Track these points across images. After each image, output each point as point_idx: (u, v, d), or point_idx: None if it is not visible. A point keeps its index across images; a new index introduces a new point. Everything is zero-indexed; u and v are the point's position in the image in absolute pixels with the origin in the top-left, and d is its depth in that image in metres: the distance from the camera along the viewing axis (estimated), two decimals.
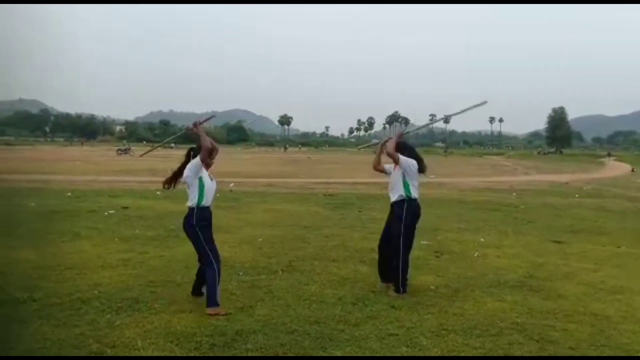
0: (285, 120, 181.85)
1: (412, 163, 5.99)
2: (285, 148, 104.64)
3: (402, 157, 5.97)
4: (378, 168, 6.51)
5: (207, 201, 5.23)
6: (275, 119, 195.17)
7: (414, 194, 6.05)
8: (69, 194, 15.29)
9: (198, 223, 5.15)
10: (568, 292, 6.35)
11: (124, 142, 79.07)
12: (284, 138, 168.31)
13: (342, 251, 8.28)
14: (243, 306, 5.32)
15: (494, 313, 5.44)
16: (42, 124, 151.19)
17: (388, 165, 6.33)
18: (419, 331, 4.82)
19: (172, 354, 4.11)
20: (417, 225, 6.18)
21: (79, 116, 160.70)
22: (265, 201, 14.92)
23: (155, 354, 4.10)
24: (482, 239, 9.66)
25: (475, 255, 8.29)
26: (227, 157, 57.25)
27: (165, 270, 6.71)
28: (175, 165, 5.43)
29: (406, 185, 6.02)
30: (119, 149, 57.15)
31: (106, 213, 11.51)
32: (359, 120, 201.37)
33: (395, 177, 6.12)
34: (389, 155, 6.00)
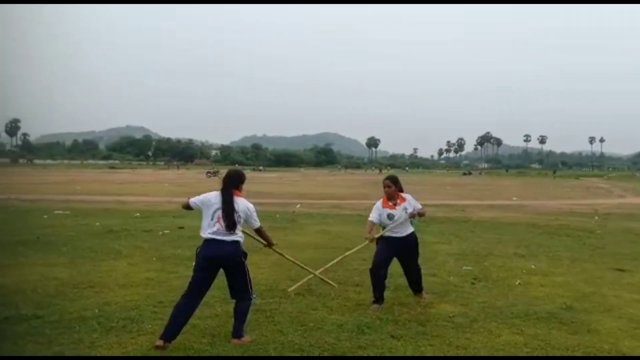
0: (372, 143, 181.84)
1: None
2: (380, 170, 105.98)
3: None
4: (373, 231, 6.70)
5: None
6: (364, 141, 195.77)
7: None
8: (137, 214, 15.97)
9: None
10: (602, 326, 5.71)
11: (213, 165, 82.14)
12: (371, 160, 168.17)
13: (368, 276, 7.95)
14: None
15: (503, 347, 4.97)
16: (145, 149, 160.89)
17: (377, 216, 6.65)
18: None
19: None
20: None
21: (178, 141, 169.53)
22: (323, 222, 14.83)
23: None
24: (533, 266, 8.97)
25: (517, 283, 7.70)
26: (308, 178, 58.11)
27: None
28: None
29: (412, 222, 6.77)
30: (208, 172, 59.38)
31: (161, 233, 11.87)
32: (448, 142, 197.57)
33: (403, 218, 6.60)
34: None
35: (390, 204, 6.66)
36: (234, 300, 5.05)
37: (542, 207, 23.40)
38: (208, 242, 4.91)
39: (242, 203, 5.02)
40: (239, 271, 4.97)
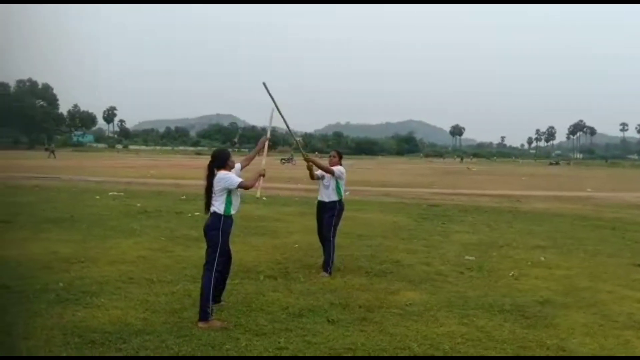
0: (457, 131, 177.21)
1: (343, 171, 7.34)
2: (462, 159, 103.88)
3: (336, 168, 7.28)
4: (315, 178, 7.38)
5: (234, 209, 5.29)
6: (449, 129, 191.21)
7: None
8: (184, 197, 16.59)
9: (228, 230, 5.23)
10: (565, 322, 5.39)
11: (292, 153, 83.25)
12: (455, 149, 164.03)
13: (363, 261, 7.92)
14: (176, 309, 5.34)
15: (436, 337, 4.81)
16: (231, 136, 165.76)
17: (319, 172, 7.31)
18: (315, 349, 4.44)
19: (52, 348, 4.29)
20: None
21: (263, 129, 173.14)
22: (358, 209, 14.70)
23: (36, 345, 4.31)
24: (543, 258, 8.52)
25: (510, 275, 7.36)
26: (381, 166, 57.65)
27: (163, 268, 7.01)
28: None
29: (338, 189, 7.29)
30: (282, 159, 60.44)
31: (190, 215, 12.30)
32: (537, 130, 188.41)
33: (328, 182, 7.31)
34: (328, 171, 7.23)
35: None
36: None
37: (612, 200, 21.92)
38: None
39: (216, 177, 5.17)
40: (207, 239, 5.19)
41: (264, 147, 6.04)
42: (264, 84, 6.18)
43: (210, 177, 5.21)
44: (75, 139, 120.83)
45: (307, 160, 7.08)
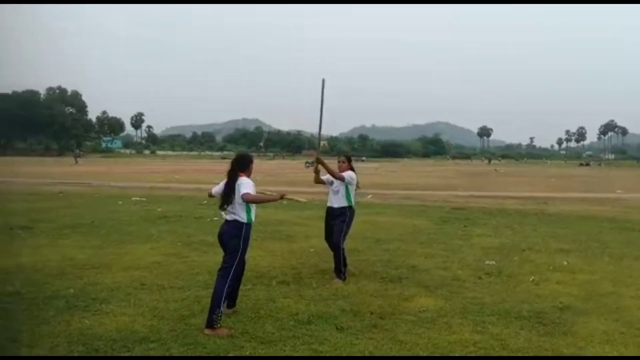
0: (484, 132, 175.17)
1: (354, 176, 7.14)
2: (489, 160, 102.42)
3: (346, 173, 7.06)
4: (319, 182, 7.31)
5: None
6: (476, 131, 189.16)
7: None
8: (205, 201, 16.62)
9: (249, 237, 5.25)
10: (585, 329, 5.17)
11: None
12: (483, 150, 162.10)
13: (378, 266, 7.77)
14: (184, 316, 5.29)
15: (447, 345, 4.65)
16: (256, 140, 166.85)
17: (327, 177, 7.09)
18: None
19: (55, 354, 4.27)
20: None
21: (288, 133, 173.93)
22: (377, 213, 14.57)
23: (40, 353, 4.29)
24: (566, 262, 8.26)
25: (531, 280, 7.14)
26: (405, 169, 57.23)
27: (176, 274, 6.98)
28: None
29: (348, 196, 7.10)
30: (306, 162, 60.45)
31: (209, 219, 12.30)
32: (567, 131, 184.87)
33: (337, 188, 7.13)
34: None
35: None
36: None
37: None
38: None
39: (238, 181, 5.14)
40: (229, 248, 5.17)
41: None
42: (323, 80, 6.75)
43: (234, 179, 5.15)
44: (104, 145, 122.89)
45: (318, 162, 6.95)
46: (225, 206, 5.14)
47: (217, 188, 5.42)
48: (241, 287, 5.91)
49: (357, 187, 7.30)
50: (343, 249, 7.00)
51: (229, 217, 5.17)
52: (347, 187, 7.06)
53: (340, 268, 6.94)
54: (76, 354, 4.27)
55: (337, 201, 7.10)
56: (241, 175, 5.21)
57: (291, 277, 6.99)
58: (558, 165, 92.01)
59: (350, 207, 7.12)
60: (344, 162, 7.29)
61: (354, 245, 9.36)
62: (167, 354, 4.32)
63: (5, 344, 4.45)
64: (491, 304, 5.94)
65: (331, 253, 7.15)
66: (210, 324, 4.85)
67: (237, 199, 5.07)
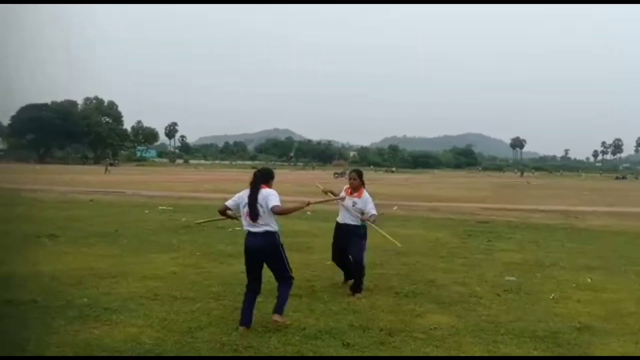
0: (517, 143, 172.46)
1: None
2: (522, 172, 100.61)
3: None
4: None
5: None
6: (509, 142, 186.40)
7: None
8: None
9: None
10: (604, 351, 5.02)
11: (347, 166, 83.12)
12: (516, 162, 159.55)
13: (395, 281, 7.67)
14: (191, 328, 5.29)
15: None
16: (287, 150, 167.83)
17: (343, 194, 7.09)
18: None
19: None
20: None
21: (318, 143, 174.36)
22: (401, 225, 14.42)
23: None
24: (589, 280, 8.03)
25: (551, 297, 6.95)
26: (435, 180, 56.72)
27: (189, 285, 7.01)
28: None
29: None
30: (335, 173, 60.50)
31: (230, 230, 12.35)
32: (603, 143, 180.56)
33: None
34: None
35: (354, 194, 7.06)
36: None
37: None
38: (247, 234, 5.46)
39: (263, 192, 5.34)
40: (275, 258, 5.48)
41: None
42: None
43: (257, 190, 5.34)
44: (138, 154, 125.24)
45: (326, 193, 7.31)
46: (256, 218, 5.31)
47: (232, 202, 5.59)
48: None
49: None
50: (364, 266, 6.93)
51: (259, 230, 5.34)
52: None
53: (360, 285, 6.85)
54: None
55: (352, 218, 6.95)
56: (263, 187, 5.38)
57: (304, 290, 6.93)
58: (593, 178, 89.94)
59: (364, 224, 7.00)
60: (355, 180, 7.06)
61: (372, 259, 9.26)
62: None
63: (14, 351, 4.52)
64: (506, 322, 5.80)
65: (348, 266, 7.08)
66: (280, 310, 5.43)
67: (266, 209, 5.25)
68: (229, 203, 5.61)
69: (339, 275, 7.74)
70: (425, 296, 6.84)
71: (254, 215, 5.29)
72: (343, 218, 7.07)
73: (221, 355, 4.62)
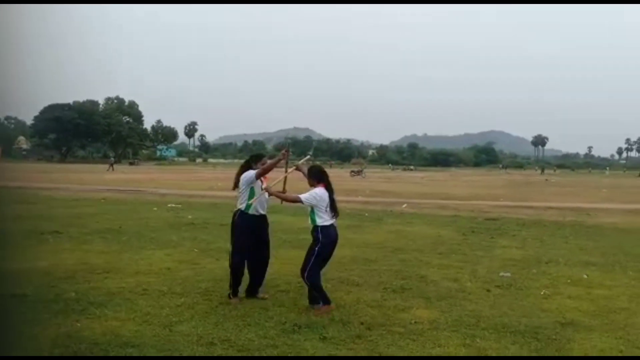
0: (539, 141, 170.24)
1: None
2: (542, 170, 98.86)
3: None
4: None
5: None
6: (530, 139, 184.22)
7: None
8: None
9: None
10: (583, 347, 4.96)
11: (364, 164, 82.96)
12: (537, 159, 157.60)
13: (386, 276, 7.66)
14: (172, 322, 5.35)
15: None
16: (306, 148, 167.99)
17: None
18: None
19: (36, 354, 4.41)
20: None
21: (337, 141, 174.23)
22: (407, 222, 14.40)
23: (28, 353, 4.44)
24: (585, 276, 7.94)
25: (542, 293, 6.89)
26: (453, 178, 56.19)
27: (180, 281, 7.08)
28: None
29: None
30: (352, 171, 60.36)
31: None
32: (628, 140, 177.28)
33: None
34: None
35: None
36: None
37: None
38: (331, 226, 6.31)
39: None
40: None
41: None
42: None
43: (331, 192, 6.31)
44: (159, 153, 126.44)
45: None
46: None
47: (311, 200, 6.29)
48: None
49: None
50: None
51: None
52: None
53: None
54: (57, 354, 4.40)
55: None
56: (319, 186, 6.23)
57: (294, 285, 6.97)
58: (615, 175, 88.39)
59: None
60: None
61: (369, 254, 9.32)
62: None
63: None
64: (489, 317, 5.77)
65: (344, 263, 6.99)
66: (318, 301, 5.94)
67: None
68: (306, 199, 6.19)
69: (333, 271, 7.73)
70: (414, 291, 6.83)
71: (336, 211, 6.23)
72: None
73: (194, 347, 4.67)
